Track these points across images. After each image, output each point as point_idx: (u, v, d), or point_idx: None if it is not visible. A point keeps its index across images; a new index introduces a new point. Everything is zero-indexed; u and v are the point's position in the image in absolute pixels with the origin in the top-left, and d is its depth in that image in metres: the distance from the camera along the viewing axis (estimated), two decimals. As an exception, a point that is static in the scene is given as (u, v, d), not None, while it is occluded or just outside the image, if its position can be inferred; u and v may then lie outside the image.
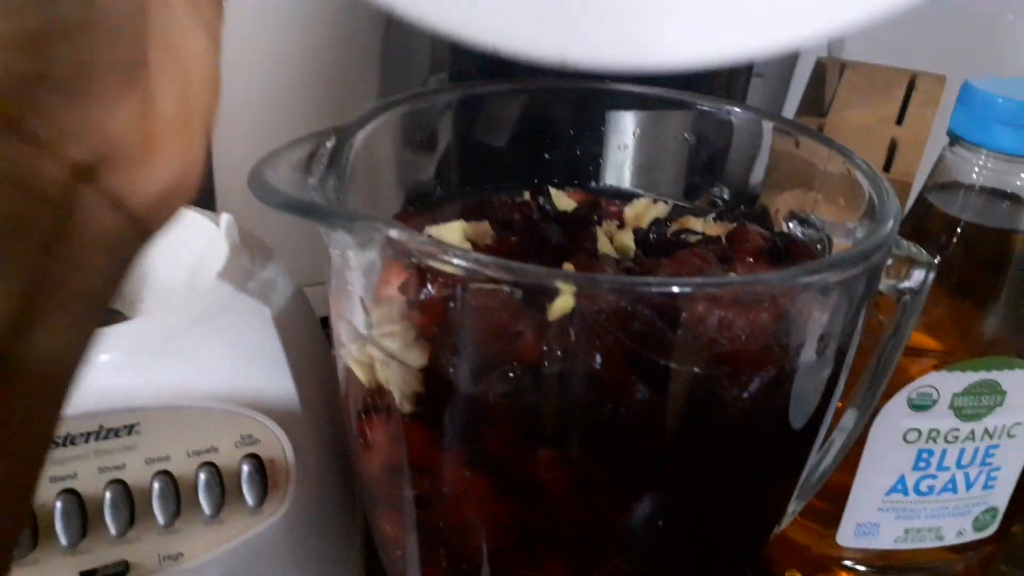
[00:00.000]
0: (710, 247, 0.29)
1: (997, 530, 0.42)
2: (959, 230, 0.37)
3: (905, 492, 0.40)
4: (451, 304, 0.24)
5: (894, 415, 0.38)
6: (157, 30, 0.19)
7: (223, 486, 0.31)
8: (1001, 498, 0.41)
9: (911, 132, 0.50)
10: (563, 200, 0.31)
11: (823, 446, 0.34)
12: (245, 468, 0.32)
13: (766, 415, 0.25)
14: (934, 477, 0.40)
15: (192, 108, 0.20)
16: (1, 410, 0.17)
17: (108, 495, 0.30)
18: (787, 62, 0.59)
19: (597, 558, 0.27)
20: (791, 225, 0.32)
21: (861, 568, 0.43)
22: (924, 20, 0.57)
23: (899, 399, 0.37)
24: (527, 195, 0.31)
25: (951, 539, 0.42)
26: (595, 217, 0.29)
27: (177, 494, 0.31)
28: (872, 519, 0.41)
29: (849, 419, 0.33)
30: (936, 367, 0.37)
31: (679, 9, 0.22)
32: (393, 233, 0.23)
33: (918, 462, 0.39)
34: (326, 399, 0.35)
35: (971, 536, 0.42)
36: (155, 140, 0.19)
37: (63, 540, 0.29)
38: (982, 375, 0.37)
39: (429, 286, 0.24)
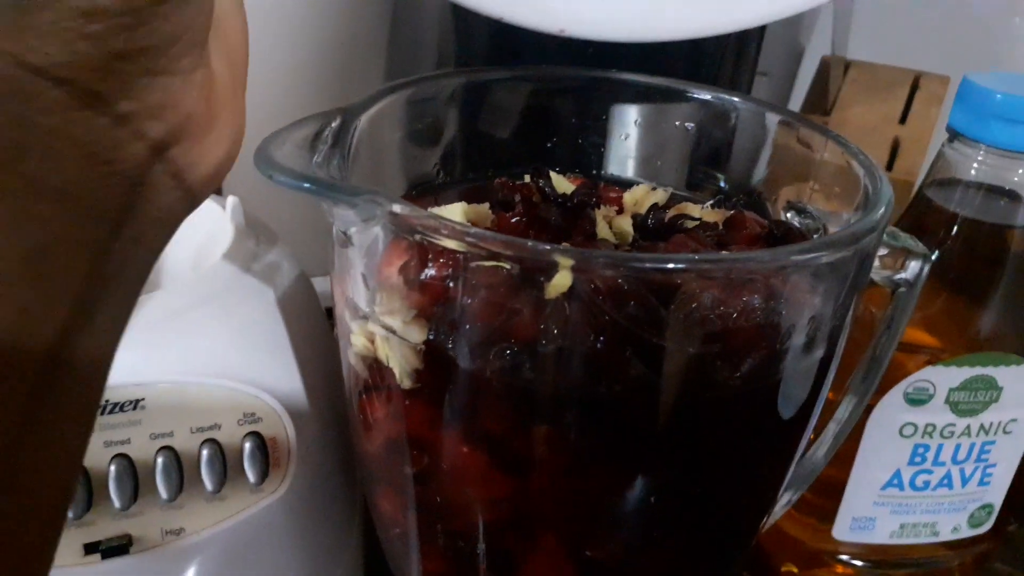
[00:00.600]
0: (707, 233, 0.29)
1: (992, 526, 0.42)
2: (957, 226, 0.37)
3: (901, 487, 0.40)
4: (451, 282, 0.24)
5: (890, 409, 0.38)
6: None
7: (225, 463, 0.32)
8: (997, 494, 0.41)
9: (914, 132, 0.51)
10: (563, 183, 0.31)
11: (816, 436, 0.34)
12: (247, 446, 0.32)
13: (758, 396, 0.26)
14: (930, 472, 0.40)
15: (236, 79, 0.21)
16: (50, 411, 0.17)
17: (113, 469, 0.30)
18: (792, 61, 0.59)
19: (591, 535, 0.27)
20: (789, 215, 0.32)
21: (856, 563, 0.43)
22: (929, 21, 0.58)
23: (895, 393, 0.38)
24: (527, 178, 0.32)
25: (946, 535, 0.42)
26: (594, 202, 0.30)
27: (180, 470, 0.31)
28: (868, 513, 0.41)
29: (843, 410, 0.34)
30: (932, 362, 0.37)
31: None
32: (396, 208, 0.23)
33: (914, 457, 0.39)
34: (327, 379, 0.35)
35: (966, 532, 0.42)
36: (215, 111, 0.19)
37: (69, 512, 0.30)
38: (978, 371, 0.37)
39: (430, 263, 0.24)
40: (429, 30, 0.51)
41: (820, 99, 0.53)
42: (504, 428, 0.26)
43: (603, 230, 0.29)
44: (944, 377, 0.38)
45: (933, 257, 0.30)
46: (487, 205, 0.29)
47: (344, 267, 0.27)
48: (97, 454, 0.30)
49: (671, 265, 0.22)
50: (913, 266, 0.30)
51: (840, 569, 0.43)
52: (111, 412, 0.30)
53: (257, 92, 0.46)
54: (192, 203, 0.20)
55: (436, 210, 0.29)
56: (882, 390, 0.37)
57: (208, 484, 0.31)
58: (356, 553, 0.39)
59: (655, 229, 0.29)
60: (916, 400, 0.38)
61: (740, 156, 0.35)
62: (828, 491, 0.41)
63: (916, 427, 0.39)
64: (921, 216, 0.38)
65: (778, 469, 0.30)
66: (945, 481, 0.40)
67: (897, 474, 0.40)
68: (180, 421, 0.31)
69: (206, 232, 0.37)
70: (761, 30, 0.46)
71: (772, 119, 0.34)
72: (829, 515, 0.41)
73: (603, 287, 0.23)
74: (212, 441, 0.32)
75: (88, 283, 0.17)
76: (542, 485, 0.27)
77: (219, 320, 0.33)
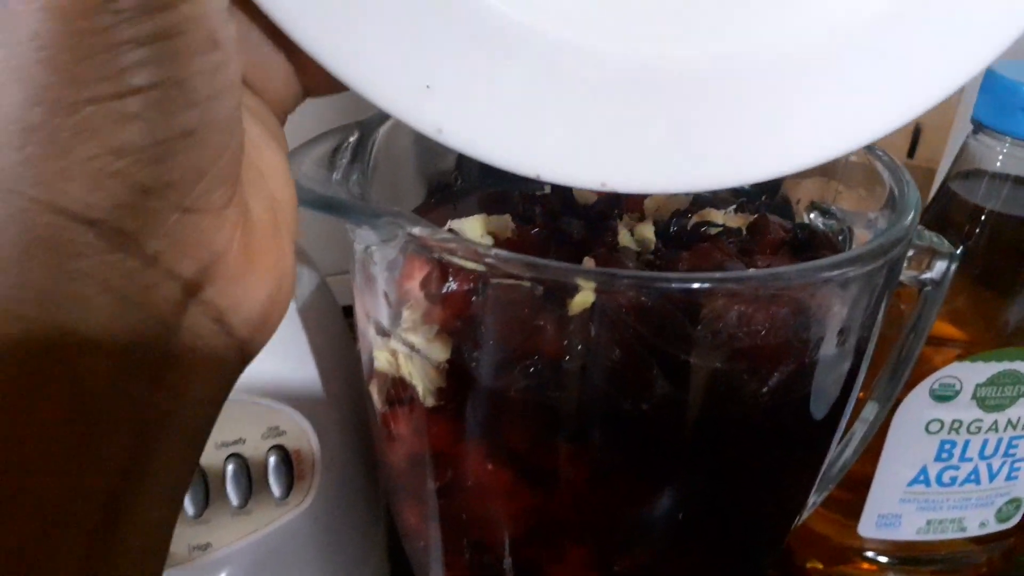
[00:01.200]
0: (731, 239, 0.29)
1: (1020, 521, 0.42)
2: (983, 219, 0.36)
3: (927, 483, 0.40)
4: (472, 299, 0.24)
5: (916, 406, 0.38)
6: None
7: (250, 477, 0.32)
8: (1024, 489, 0.41)
9: (935, 118, 0.50)
10: (583, 193, 0.31)
11: (844, 438, 0.34)
12: (272, 459, 0.32)
13: (786, 409, 0.25)
14: (956, 468, 0.39)
15: (279, 220, 0.20)
16: None
17: (139, 486, 0.30)
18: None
19: (618, 549, 0.27)
20: (812, 216, 0.32)
21: (882, 559, 0.43)
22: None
23: (921, 390, 0.37)
24: (548, 188, 0.31)
25: (974, 530, 0.42)
26: (615, 211, 0.29)
27: (206, 485, 0.31)
28: (894, 510, 0.41)
29: (870, 410, 0.33)
30: (959, 357, 0.37)
31: (713, 140, 0.23)
32: (416, 230, 0.23)
33: (940, 453, 0.39)
34: (350, 391, 0.35)
35: (994, 527, 0.42)
36: (252, 253, 0.18)
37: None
38: (1005, 365, 0.37)
39: (451, 280, 0.24)
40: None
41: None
42: (529, 445, 0.26)
43: (625, 238, 0.29)
44: (971, 373, 0.37)
45: (958, 253, 0.30)
46: (508, 217, 0.29)
47: (366, 283, 0.27)
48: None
49: (696, 285, 0.21)
50: (939, 265, 0.29)
51: (865, 566, 0.43)
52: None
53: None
54: (242, 351, 0.19)
55: (455, 223, 0.28)
56: (908, 387, 0.37)
57: (234, 499, 0.32)
58: (381, 563, 0.39)
59: (678, 236, 0.29)
60: (942, 396, 0.38)
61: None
62: (854, 487, 0.40)
63: (942, 423, 0.38)
64: (945, 209, 0.38)
65: (807, 476, 0.30)
66: (972, 477, 0.40)
67: (923, 470, 0.40)
68: (204, 436, 0.31)
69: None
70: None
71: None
72: (855, 512, 0.41)
73: (627, 304, 0.22)
74: (237, 456, 0.32)
75: (131, 440, 0.17)
76: (568, 500, 0.27)
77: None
